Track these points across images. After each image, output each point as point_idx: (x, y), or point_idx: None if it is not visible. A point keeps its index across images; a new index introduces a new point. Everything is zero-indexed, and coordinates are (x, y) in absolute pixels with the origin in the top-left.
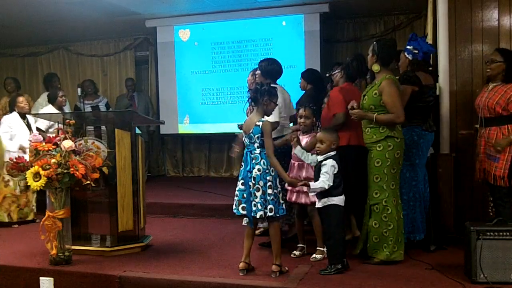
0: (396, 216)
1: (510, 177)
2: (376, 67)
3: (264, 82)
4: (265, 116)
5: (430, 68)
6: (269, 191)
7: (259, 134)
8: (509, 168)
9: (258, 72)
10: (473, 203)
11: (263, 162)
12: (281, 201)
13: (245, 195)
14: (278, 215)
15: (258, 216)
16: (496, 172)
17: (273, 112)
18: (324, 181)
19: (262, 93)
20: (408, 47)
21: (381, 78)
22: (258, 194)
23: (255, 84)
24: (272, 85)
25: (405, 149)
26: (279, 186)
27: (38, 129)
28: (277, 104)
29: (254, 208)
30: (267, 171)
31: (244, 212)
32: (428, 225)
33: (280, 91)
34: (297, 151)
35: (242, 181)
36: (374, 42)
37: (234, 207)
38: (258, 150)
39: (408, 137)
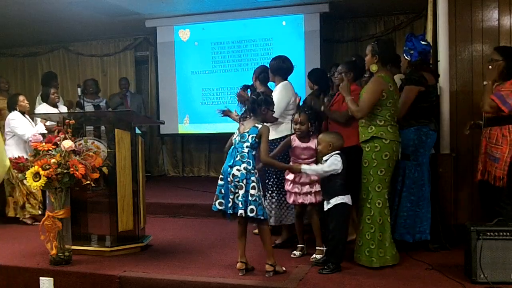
0: (379, 219)
1: (509, 178)
2: (374, 68)
3: (272, 79)
4: (264, 123)
5: (431, 66)
6: (252, 191)
7: (254, 135)
8: (508, 169)
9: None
10: (473, 203)
11: (250, 162)
12: (264, 206)
13: (223, 190)
14: (259, 217)
15: (238, 214)
16: (496, 173)
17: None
18: (317, 169)
19: (260, 103)
20: (405, 48)
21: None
22: (241, 192)
23: (251, 95)
24: (282, 82)
25: (414, 149)
26: (261, 191)
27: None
28: (274, 111)
29: (230, 204)
30: (252, 171)
31: (221, 208)
32: (436, 223)
33: (290, 88)
34: (307, 169)
35: (221, 175)
36: (374, 43)
37: (213, 203)
38: (246, 150)
39: (416, 137)
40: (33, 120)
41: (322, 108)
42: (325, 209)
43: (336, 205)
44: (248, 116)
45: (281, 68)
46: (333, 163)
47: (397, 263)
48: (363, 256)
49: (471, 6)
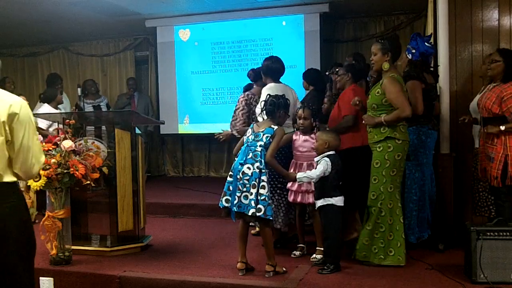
0: (390, 219)
1: (503, 177)
2: (386, 65)
3: (265, 81)
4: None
5: (431, 69)
6: (261, 191)
7: (269, 135)
8: (502, 169)
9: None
10: (473, 203)
11: (262, 161)
12: (272, 206)
13: (231, 187)
14: (267, 217)
15: (250, 214)
16: (491, 172)
17: None
18: (310, 175)
19: (279, 107)
20: (409, 46)
21: (384, 76)
22: (254, 191)
23: (270, 97)
24: (276, 83)
25: (413, 149)
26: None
27: (39, 128)
28: (289, 115)
29: (240, 203)
30: (263, 171)
31: (227, 205)
32: (438, 223)
33: (283, 88)
34: (302, 178)
35: (231, 172)
36: (383, 41)
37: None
38: (259, 149)
39: (416, 136)
40: None
41: (324, 126)
42: (316, 207)
43: (322, 207)
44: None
45: (270, 68)
46: (324, 166)
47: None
48: (372, 254)
49: (471, 6)
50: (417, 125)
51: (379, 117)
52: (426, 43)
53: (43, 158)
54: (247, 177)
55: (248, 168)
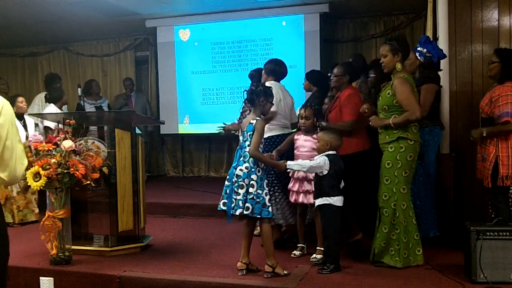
0: (404, 221)
1: (494, 178)
2: (399, 66)
3: (265, 80)
4: (261, 116)
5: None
6: (251, 190)
7: (251, 132)
8: (492, 169)
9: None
10: (473, 203)
11: (251, 160)
12: (267, 204)
13: (228, 190)
14: (254, 215)
15: (237, 214)
16: (484, 173)
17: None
18: (302, 164)
19: (258, 94)
20: (420, 49)
21: (395, 77)
22: (241, 191)
23: (250, 85)
24: (277, 82)
25: (426, 150)
26: (266, 188)
27: (47, 128)
28: (273, 104)
29: (233, 205)
30: (252, 169)
31: (224, 208)
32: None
33: (279, 87)
34: (292, 165)
35: (228, 176)
36: (392, 41)
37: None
38: (247, 149)
39: (431, 137)
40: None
41: (323, 123)
42: (315, 206)
43: (320, 206)
44: (248, 110)
45: (276, 71)
46: (321, 161)
47: (421, 264)
48: (387, 256)
49: (471, 6)
50: (432, 126)
51: (387, 120)
52: (439, 47)
53: (26, 161)
54: (240, 179)
55: (240, 170)
